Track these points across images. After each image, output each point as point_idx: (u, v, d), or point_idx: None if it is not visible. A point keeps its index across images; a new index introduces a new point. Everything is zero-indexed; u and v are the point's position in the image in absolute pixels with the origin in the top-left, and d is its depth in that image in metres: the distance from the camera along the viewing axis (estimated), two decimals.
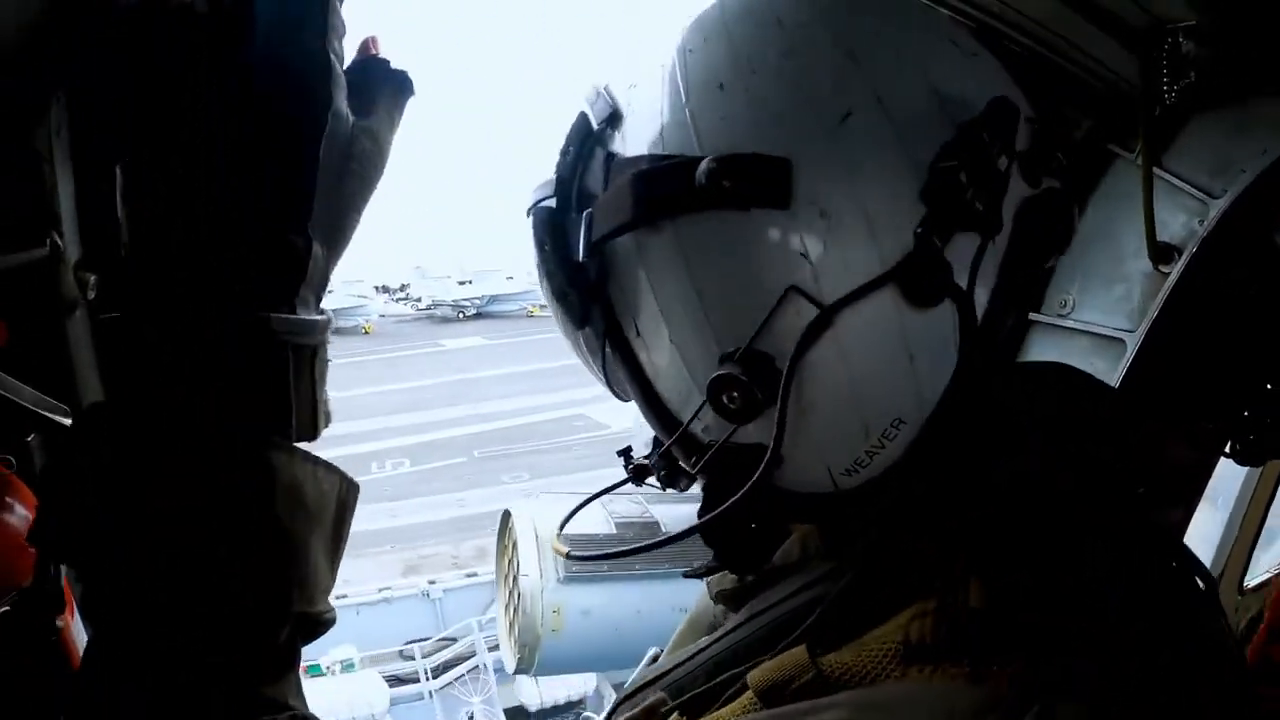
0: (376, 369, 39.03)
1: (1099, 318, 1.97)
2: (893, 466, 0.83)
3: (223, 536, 0.71)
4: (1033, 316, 2.13)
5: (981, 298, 0.81)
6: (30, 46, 0.89)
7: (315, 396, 0.78)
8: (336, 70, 0.75)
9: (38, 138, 0.98)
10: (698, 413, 0.86)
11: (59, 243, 1.01)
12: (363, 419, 29.69)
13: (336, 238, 0.79)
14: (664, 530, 8.20)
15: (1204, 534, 3.25)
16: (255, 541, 0.72)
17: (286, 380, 0.75)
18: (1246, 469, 3.29)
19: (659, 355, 0.87)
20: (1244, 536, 3.34)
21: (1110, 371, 1.93)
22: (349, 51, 0.82)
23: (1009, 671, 0.68)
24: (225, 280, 0.72)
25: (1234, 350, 2.34)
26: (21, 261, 0.99)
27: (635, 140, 0.86)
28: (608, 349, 0.93)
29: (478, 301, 56.39)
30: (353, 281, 53.24)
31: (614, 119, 0.88)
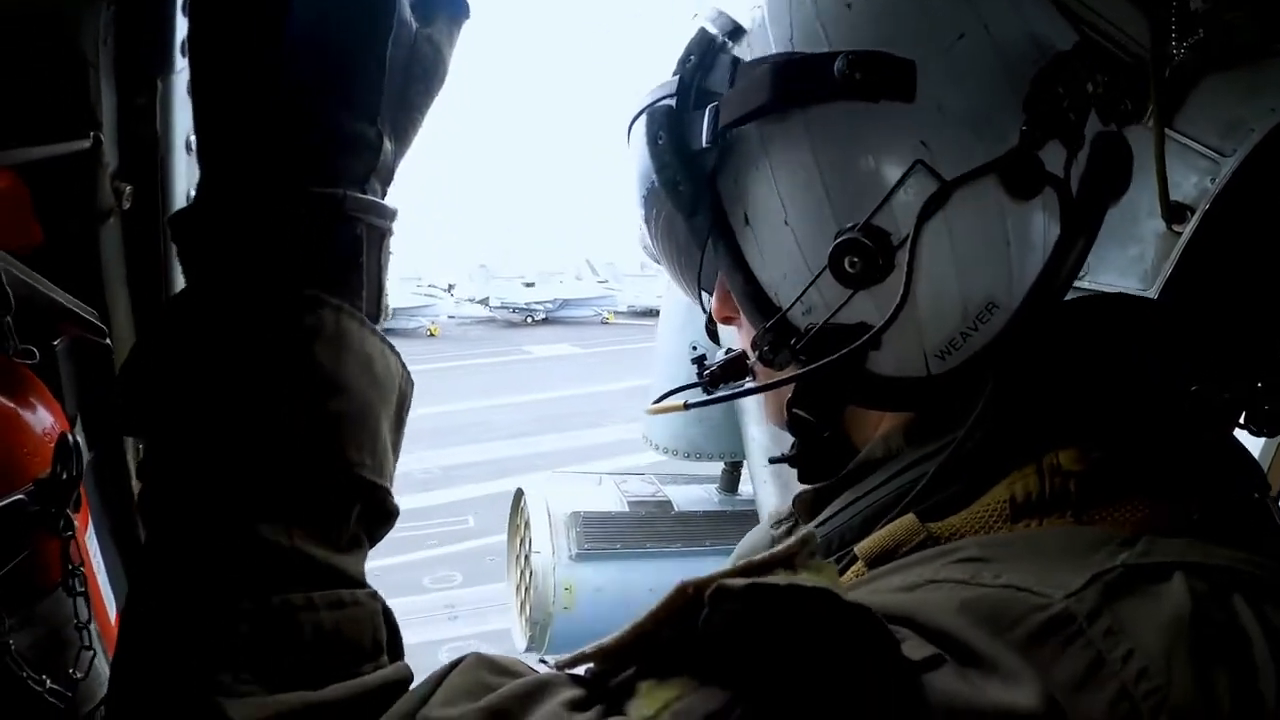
0: (459, 379, 32.90)
1: (1114, 278, 2.00)
2: (981, 352, 0.90)
3: (301, 397, 0.73)
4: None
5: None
6: None
7: (381, 280, 0.83)
8: None
9: (85, 43, 1.01)
10: (811, 284, 0.92)
11: (101, 139, 1.04)
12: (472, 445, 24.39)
13: (401, 135, 0.84)
14: (676, 510, 8.21)
15: None
16: (325, 399, 0.74)
17: (360, 255, 0.79)
18: (1263, 442, 3.31)
19: (771, 239, 0.94)
20: None
21: None
22: None
23: (1112, 514, 0.78)
24: (307, 162, 0.77)
25: (1247, 317, 2.37)
26: (65, 151, 1.02)
27: (763, 46, 0.94)
28: (710, 240, 0.99)
29: (549, 305, 52.29)
30: (410, 279, 48.34)
31: (737, 32, 0.97)
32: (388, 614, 0.79)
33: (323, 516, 0.74)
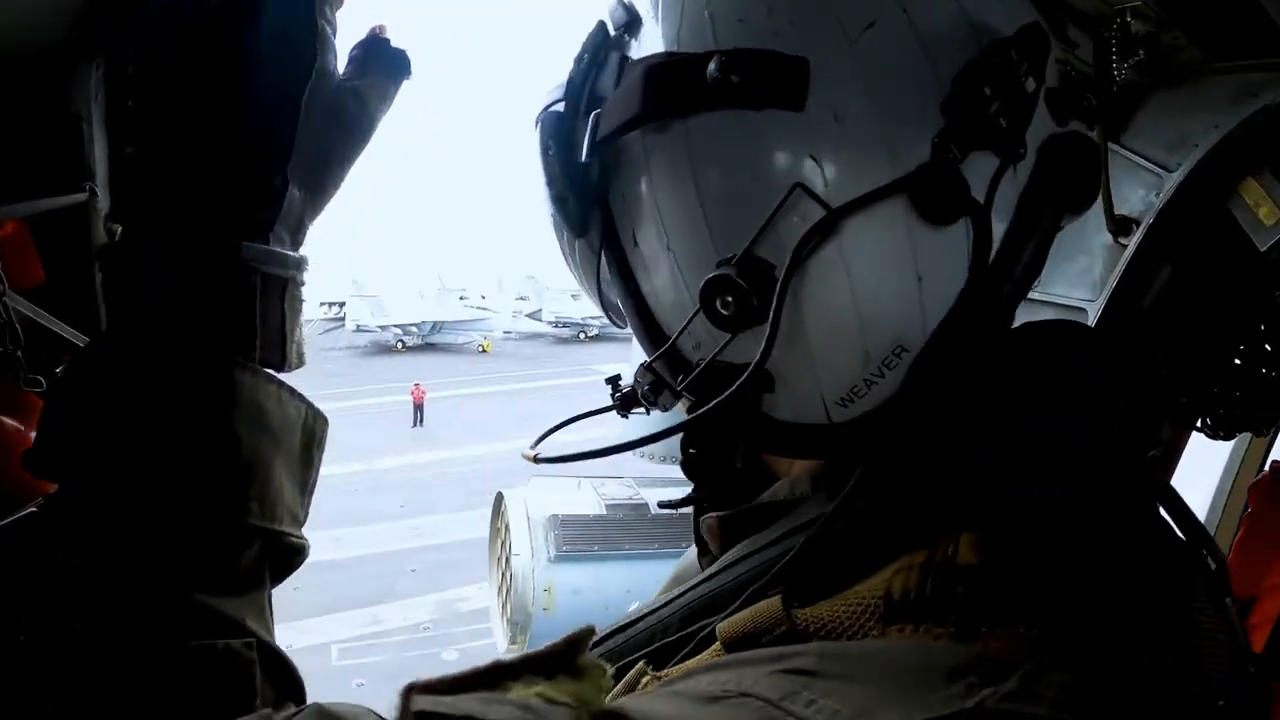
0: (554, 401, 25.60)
1: (1063, 289, 2.06)
2: (889, 401, 0.77)
3: (184, 448, 0.74)
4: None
5: (997, 230, 0.74)
6: (75, 23, 1.02)
7: (285, 327, 0.82)
8: (325, 33, 0.82)
9: (77, 101, 1.10)
10: (689, 322, 0.79)
11: (95, 190, 1.14)
12: None
13: (316, 186, 0.85)
14: (653, 512, 8.30)
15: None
16: (212, 453, 0.75)
17: (253, 304, 0.80)
18: (1229, 450, 3.37)
19: (655, 265, 0.82)
20: (1228, 519, 3.42)
21: None
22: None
23: (997, 634, 0.60)
24: (204, 210, 0.79)
25: (1198, 322, 2.43)
26: (63, 204, 1.11)
27: (651, 42, 0.81)
28: (603, 261, 0.88)
29: (602, 320, 48.05)
30: (452, 290, 46.64)
31: (632, 25, 0.84)
32: (277, 659, 0.78)
33: (211, 563, 0.76)
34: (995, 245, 0.74)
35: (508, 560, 8.15)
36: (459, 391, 32.88)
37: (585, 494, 8.68)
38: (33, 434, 1.04)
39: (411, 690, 0.51)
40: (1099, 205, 1.95)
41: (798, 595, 0.71)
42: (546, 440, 0.99)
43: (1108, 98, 1.88)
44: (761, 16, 0.74)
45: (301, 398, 0.83)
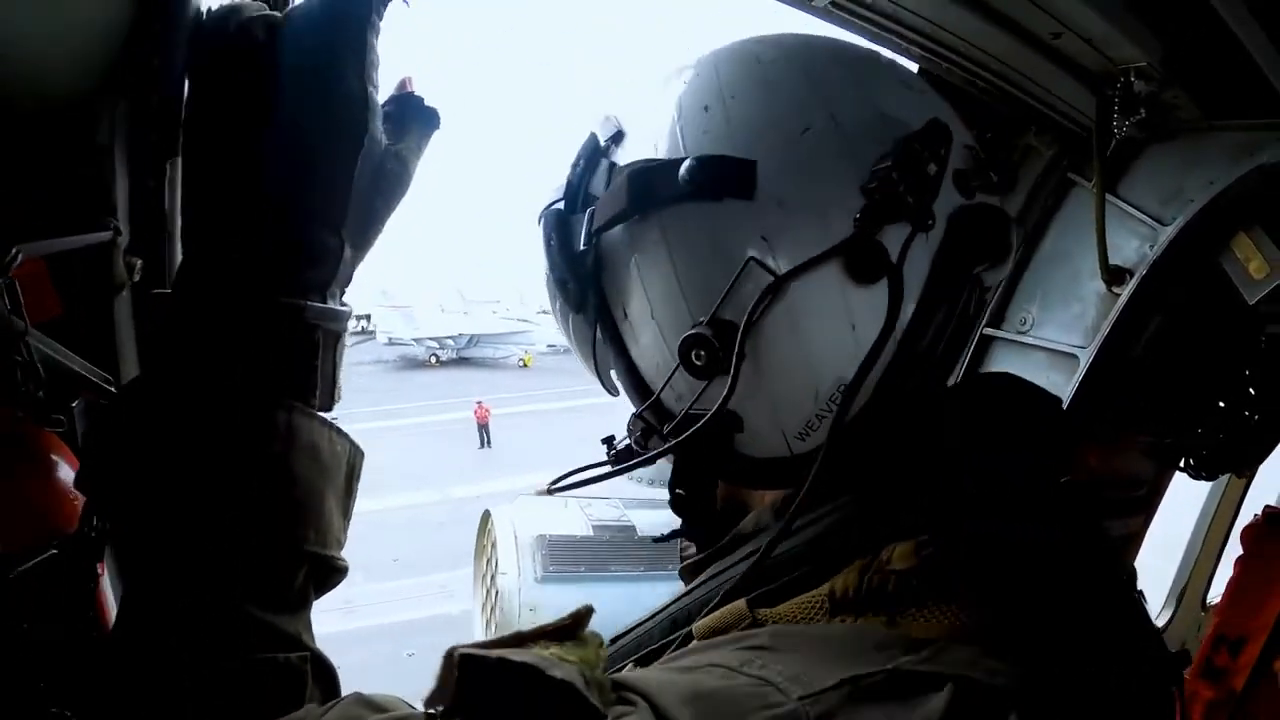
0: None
1: (1056, 334, 2.11)
2: (846, 430, 0.90)
3: (249, 485, 0.82)
4: (993, 333, 2.29)
5: (915, 287, 0.90)
6: (104, 57, 1.02)
7: (335, 374, 0.91)
8: (374, 101, 0.88)
9: (101, 134, 1.09)
10: (672, 376, 0.95)
11: (119, 228, 1.12)
12: None
13: (362, 243, 0.93)
14: (639, 534, 8.28)
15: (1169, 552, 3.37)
16: (277, 489, 0.84)
17: (315, 358, 0.88)
18: (1209, 489, 3.42)
19: (643, 332, 0.98)
20: (1206, 554, 3.47)
21: (1065, 385, 2.06)
22: (389, 84, 0.97)
23: (919, 621, 0.78)
24: (271, 270, 0.86)
25: (1185, 368, 2.47)
26: (88, 243, 1.10)
27: (634, 151, 0.99)
28: (598, 333, 1.03)
29: None
30: (487, 303, 46.37)
31: (618, 137, 1.02)
32: (323, 667, 0.87)
33: (271, 585, 0.84)
34: (917, 296, 0.91)
35: (493, 579, 8.11)
36: (511, 410, 30.93)
37: (572, 514, 8.67)
38: (56, 475, 1.04)
39: (454, 649, 0.62)
40: (1093, 254, 2.00)
41: (762, 599, 0.86)
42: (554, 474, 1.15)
43: (1105, 152, 1.93)
44: (720, 129, 0.93)
45: (346, 435, 0.91)
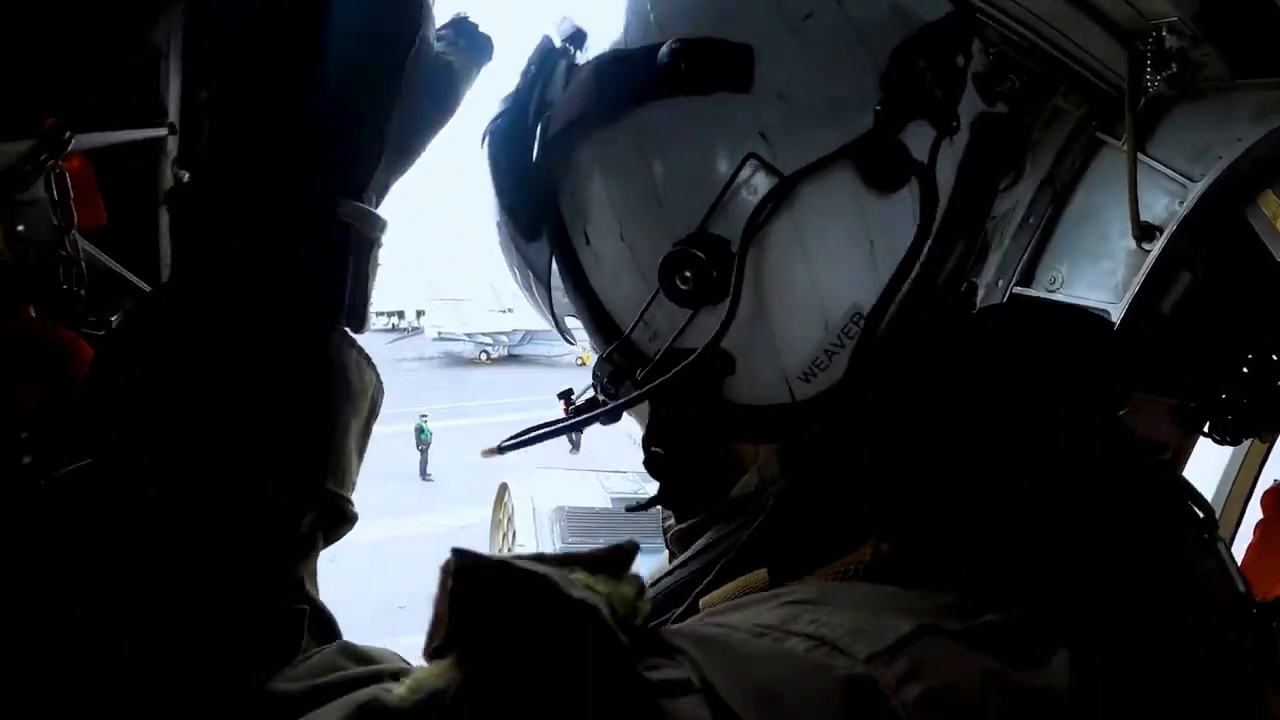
0: None
1: (1085, 292, 2.13)
2: (850, 373, 0.78)
3: (273, 406, 0.73)
4: (1023, 292, 2.31)
5: (940, 203, 0.78)
6: None
7: (366, 289, 0.81)
8: (428, 5, 0.81)
9: (156, 37, 1.08)
10: (648, 306, 0.80)
11: (174, 125, 1.12)
12: None
13: (400, 153, 0.85)
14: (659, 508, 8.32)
15: None
16: (303, 414, 0.75)
17: (346, 261, 0.78)
18: (1231, 454, 3.42)
19: (610, 259, 0.83)
20: (1227, 519, 3.47)
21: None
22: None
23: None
24: (301, 165, 0.77)
25: (1212, 328, 2.49)
26: (141, 138, 1.09)
27: (598, 46, 0.84)
28: (554, 264, 0.88)
29: None
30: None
31: (578, 37, 0.87)
32: (327, 625, 0.78)
33: (277, 524, 0.74)
34: (941, 211, 0.78)
35: (510, 551, 8.20)
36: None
37: (590, 486, 8.69)
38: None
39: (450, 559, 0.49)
40: (1124, 211, 2.03)
41: (783, 567, 0.73)
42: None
43: (1137, 108, 1.95)
44: (706, 12, 0.79)
45: (373, 365, 0.82)
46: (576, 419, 0.90)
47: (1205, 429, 2.75)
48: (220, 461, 0.72)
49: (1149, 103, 1.99)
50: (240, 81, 0.80)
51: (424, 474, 21.30)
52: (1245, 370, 2.69)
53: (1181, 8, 1.70)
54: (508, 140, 0.88)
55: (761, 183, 0.76)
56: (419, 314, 44.59)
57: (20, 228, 1.01)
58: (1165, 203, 2.03)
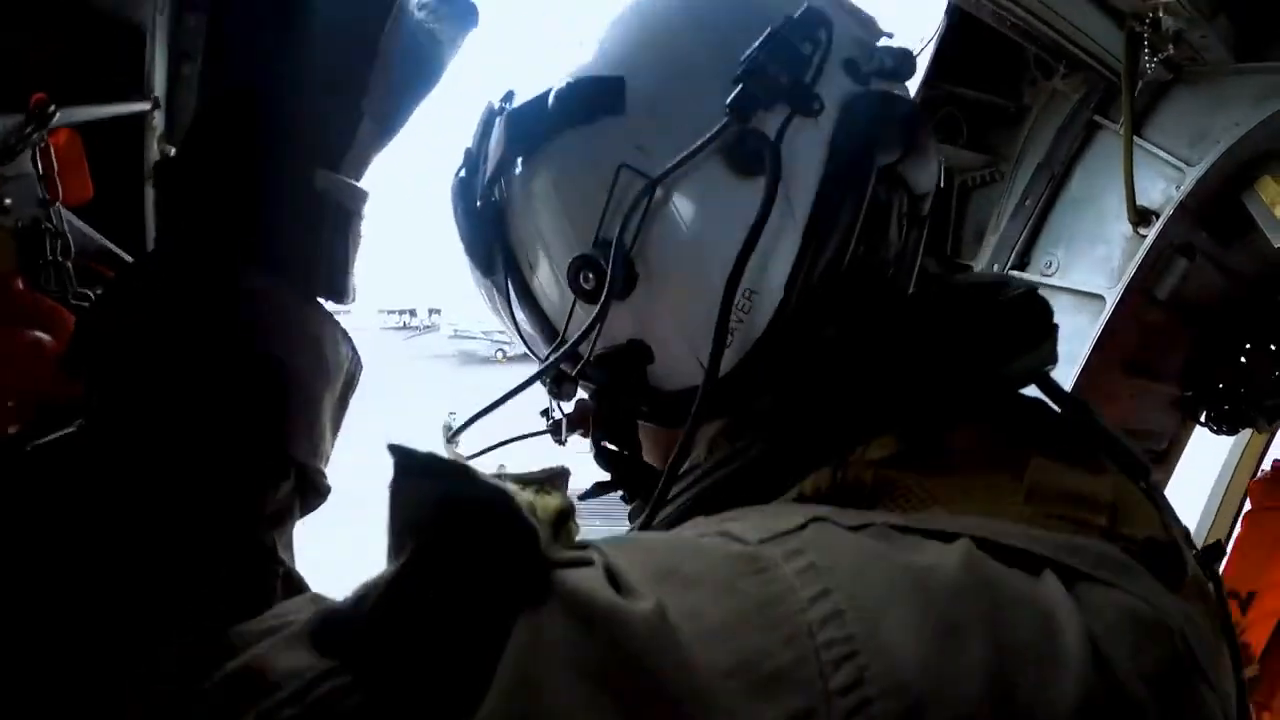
0: None
1: (1081, 276, 2.12)
2: (758, 345, 0.85)
3: (243, 377, 0.74)
4: (1019, 276, 2.30)
5: (811, 177, 0.85)
6: None
7: (346, 262, 0.83)
8: None
9: (143, 13, 1.08)
10: (572, 311, 0.90)
11: (159, 100, 1.11)
12: None
13: (384, 122, 0.87)
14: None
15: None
16: (274, 384, 0.76)
17: (322, 232, 0.81)
18: (1230, 444, 3.41)
19: (545, 278, 0.94)
20: (1225, 512, 3.47)
21: (1090, 326, 2.08)
22: None
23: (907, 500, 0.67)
24: (276, 134, 0.79)
25: (1211, 319, 2.49)
26: (126, 112, 1.08)
27: (519, 102, 0.96)
28: (511, 292, 0.98)
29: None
30: None
31: (509, 96, 0.98)
32: (299, 589, 0.77)
33: (248, 494, 0.75)
34: (815, 187, 0.84)
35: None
36: None
37: (593, 467, 8.69)
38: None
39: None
40: (1119, 196, 2.02)
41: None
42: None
43: (1133, 91, 1.94)
44: (589, 57, 0.91)
45: (350, 340, 0.84)
46: (536, 433, 1.04)
47: (1201, 419, 2.76)
48: (190, 427, 0.73)
49: (1146, 87, 1.98)
50: (214, 50, 0.83)
51: None
52: (1243, 360, 2.70)
53: None
54: (461, 191, 1.00)
55: (636, 183, 0.85)
56: (430, 312, 44.81)
57: (7, 200, 1.01)
58: (1162, 187, 2.02)
